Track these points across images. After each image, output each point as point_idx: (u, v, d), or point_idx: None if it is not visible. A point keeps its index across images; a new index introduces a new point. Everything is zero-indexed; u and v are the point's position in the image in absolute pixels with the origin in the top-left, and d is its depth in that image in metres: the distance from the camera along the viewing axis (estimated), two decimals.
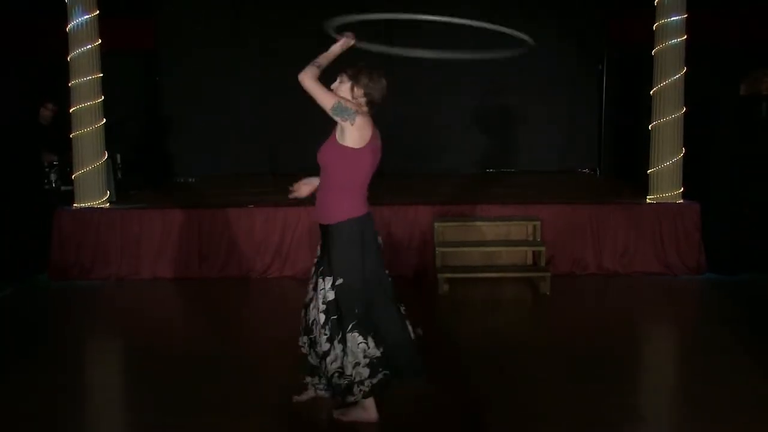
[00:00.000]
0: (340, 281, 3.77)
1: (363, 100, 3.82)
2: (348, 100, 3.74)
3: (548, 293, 6.61)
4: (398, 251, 7.22)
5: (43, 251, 7.36)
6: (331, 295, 3.78)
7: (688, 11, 7.30)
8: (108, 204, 7.72)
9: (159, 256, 7.35)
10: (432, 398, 4.30)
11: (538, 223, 7.13)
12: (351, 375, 3.74)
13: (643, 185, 7.75)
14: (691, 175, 7.52)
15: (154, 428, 4.01)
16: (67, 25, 7.30)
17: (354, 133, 3.70)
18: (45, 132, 8.44)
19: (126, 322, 6.28)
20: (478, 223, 7.22)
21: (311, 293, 3.94)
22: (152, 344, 5.49)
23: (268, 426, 4.00)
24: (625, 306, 6.53)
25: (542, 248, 6.97)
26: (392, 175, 8.18)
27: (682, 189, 7.51)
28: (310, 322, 3.92)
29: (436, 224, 7.09)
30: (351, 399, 3.81)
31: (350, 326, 3.74)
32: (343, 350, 3.75)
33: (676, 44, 7.30)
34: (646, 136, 7.62)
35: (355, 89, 3.82)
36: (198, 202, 7.91)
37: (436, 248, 6.96)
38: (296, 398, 4.16)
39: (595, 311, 6.37)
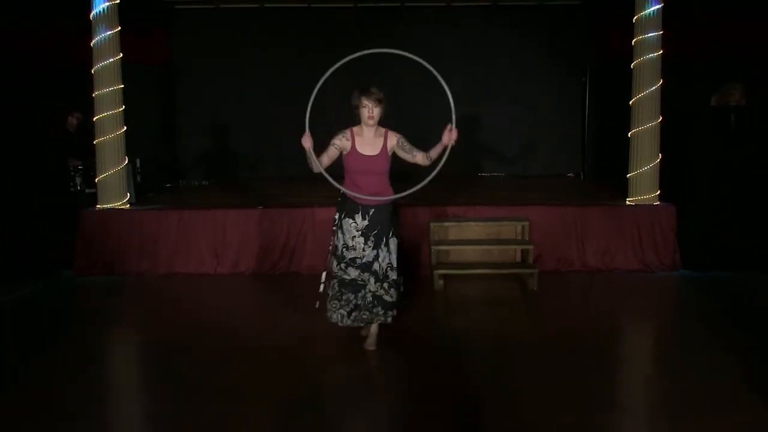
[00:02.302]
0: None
1: None
2: None
3: (536, 289, 6.61)
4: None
5: (69, 249, 7.39)
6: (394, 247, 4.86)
7: (663, 29, 7.34)
8: (128, 205, 7.74)
9: (175, 253, 7.36)
10: (427, 385, 4.34)
11: (526, 223, 7.15)
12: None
13: (623, 188, 7.76)
14: (667, 179, 7.55)
15: (174, 414, 4.01)
16: (91, 41, 7.34)
17: None
18: (71, 138, 8.47)
19: (145, 313, 6.29)
20: (471, 224, 7.23)
21: (378, 252, 4.75)
22: (169, 334, 5.51)
23: (281, 411, 3.99)
24: (607, 301, 6.52)
25: (530, 247, 6.99)
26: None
27: (658, 192, 7.54)
28: (385, 269, 4.79)
29: (432, 224, 7.12)
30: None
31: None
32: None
33: (652, 59, 7.35)
34: (626, 143, 7.64)
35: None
36: (210, 203, 7.91)
37: (432, 246, 6.98)
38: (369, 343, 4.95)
39: (579, 305, 6.35)
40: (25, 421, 3.92)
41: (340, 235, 4.79)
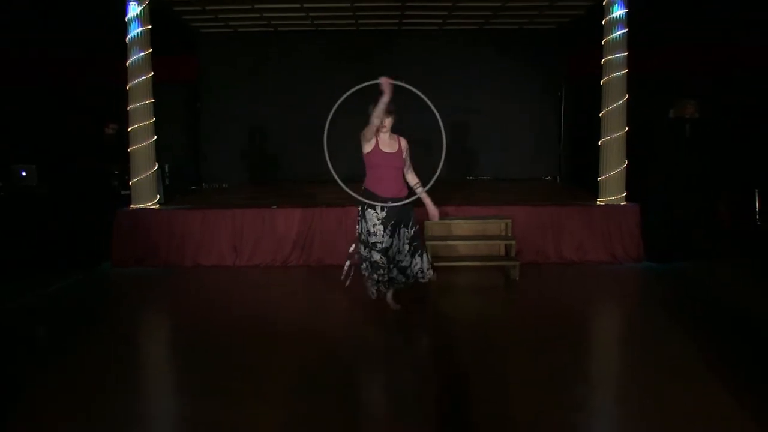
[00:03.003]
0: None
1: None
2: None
3: (517, 278, 6.63)
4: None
5: (107, 244, 7.42)
6: (413, 233, 5.27)
7: (628, 49, 7.38)
8: (158, 205, 7.74)
9: (199, 248, 7.36)
10: (423, 363, 4.42)
11: (509, 221, 7.16)
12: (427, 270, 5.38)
13: (594, 190, 7.77)
14: (633, 181, 7.57)
15: (199, 391, 4.02)
16: (126, 61, 7.39)
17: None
18: (108, 146, 8.52)
19: (172, 301, 6.33)
20: (460, 222, 7.23)
21: (392, 240, 5.18)
22: (195, 320, 5.53)
23: (293, 388, 4.03)
24: (580, 288, 6.54)
25: (513, 242, 6.99)
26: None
27: (625, 193, 7.56)
28: (395, 254, 5.24)
29: (426, 222, 7.06)
30: (425, 279, 5.41)
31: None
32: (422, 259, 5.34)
33: (619, 76, 7.38)
34: (596, 150, 7.66)
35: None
36: (230, 203, 7.93)
37: (426, 242, 6.91)
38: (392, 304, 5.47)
39: (556, 292, 6.37)
40: (66, 392, 3.99)
41: (363, 223, 5.19)
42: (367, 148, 5.10)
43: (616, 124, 7.44)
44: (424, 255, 5.40)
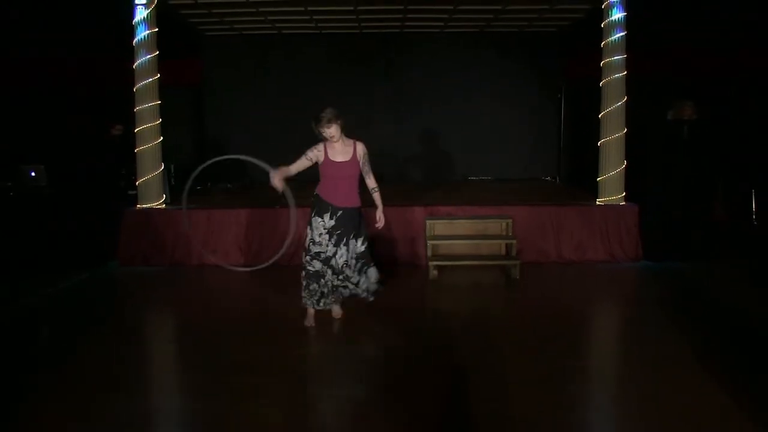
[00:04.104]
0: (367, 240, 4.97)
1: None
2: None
3: (518, 277, 6.62)
4: (396, 244, 7.26)
5: (114, 243, 7.43)
6: (363, 248, 4.92)
7: (627, 52, 7.38)
8: (164, 205, 7.75)
9: (204, 247, 7.31)
10: (423, 361, 4.40)
11: (510, 220, 7.16)
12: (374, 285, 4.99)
13: (593, 190, 7.77)
14: (631, 182, 7.57)
15: (202, 385, 4.05)
16: (133, 64, 7.40)
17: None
18: (115, 147, 8.53)
19: (178, 299, 6.34)
20: (462, 221, 7.24)
21: (336, 250, 4.84)
22: (199, 317, 5.55)
23: (296, 386, 4.06)
24: (579, 287, 6.54)
25: (513, 241, 6.99)
26: (391, 182, 8.25)
27: (624, 194, 7.55)
28: (341, 266, 4.88)
29: (428, 221, 7.14)
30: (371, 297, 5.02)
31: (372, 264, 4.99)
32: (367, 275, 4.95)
33: (618, 78, 7.38)
34: (596, 151, 7.66)
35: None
36: (235, 203, 7.93)
37: (427, 241, 6.99)
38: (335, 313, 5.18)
39: (555, 291, 6.38)
40: (72, 390, 3.99)
41: (308, 231, 4.91)
42: (319, 159, 4.84)
43: (615, 125, 7.44)
44: (371, 271, 4.97)
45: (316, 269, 4.89)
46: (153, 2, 7.32)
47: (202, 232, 7.41)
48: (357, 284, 4.98)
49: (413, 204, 7.51)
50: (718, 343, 4.66)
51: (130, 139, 7.79)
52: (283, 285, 6.65)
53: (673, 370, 4.15)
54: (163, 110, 7.64)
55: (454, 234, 7.24)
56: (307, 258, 4.91)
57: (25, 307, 5.86)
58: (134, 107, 7.48)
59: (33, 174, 8.61)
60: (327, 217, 4.84)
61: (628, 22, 7.36)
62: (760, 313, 5.40)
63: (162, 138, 7.65)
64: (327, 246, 4.86)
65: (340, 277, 4.94)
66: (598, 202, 7.63)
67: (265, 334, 5.00)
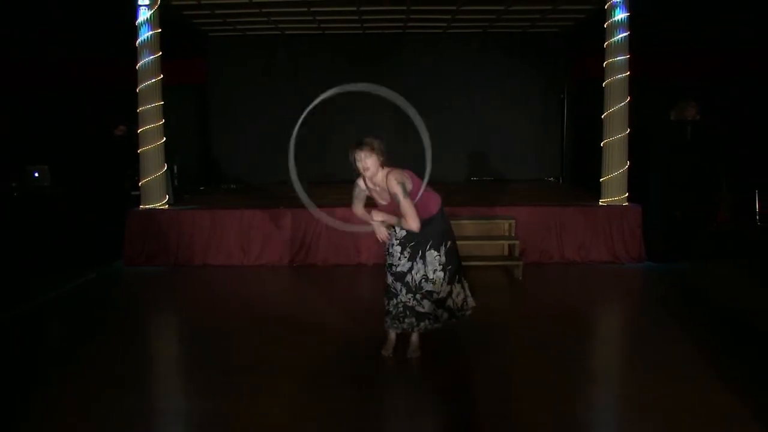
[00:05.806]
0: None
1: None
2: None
3: (521, 278, 6.63)
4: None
5: (119, 243, 7.46)
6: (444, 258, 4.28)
7: (630, 53, 7.37)
8: (167, 206, 7.76)
9: (207, 247, 7.39)
10: (429, 361, 4.40)
11: (513, 221, 7.16)
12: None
13: (596, 191, 7.77)
14: (635, 182, 7.56)
15: (207, 384, 4.05)
16: (137, 64, 7.41)
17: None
18: (118, 148, 8.55)
19: (183, 298, 6.36)
20: (465, 222, 7.23)
21: (416, 266, 4.25)
22: (203, 317, 5.55)
23: (301, 385, 4.04)
24: (582, 288, 6.54)
25: (516, 242, 6.99)
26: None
27: (627, 194, 7.55)
28: (411, 281, 4.26)
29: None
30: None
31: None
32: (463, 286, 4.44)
33: (621, 78, 7.37)
34: (599, 151, 7.66)
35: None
36: (238, 204, 7.94)
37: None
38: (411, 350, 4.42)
39: (559, 292, 6.35)
40: (79, 389, 4.00)
41: (388, 243, 4.38)
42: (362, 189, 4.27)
43: (618, 125, 7.44)
44: (464, 281, 4.48)
45: (388, 283, 4.37)
46: (156, 3, 7.33)
47: (206, 231, 7.41)
48: (450, 295, 4.33)
49: None
50: (722, 343, 4.65)
51: (133, 140, 7.80)
52: (288, 285, 6.71)
53: (677, 371, 4.14)
54: (166, 111, 7.65)
55: (457, 235, 7.08)
56: (386, 275, 4.40)
57: (28, 308, 5.86)
58: (138, 108, 7.49)
59: (37, 174, 8.63)
60: (398, 228, 4.30)
61: (631, 23, 7.35)
62: (764, 313, 5.38)
63: (165, 138, 7.66)
64: (400, 260, 4.29)
65: (417, 295, 4.29)
66: (601, 203, 7.63)
67: (271, 334, 5.00)
